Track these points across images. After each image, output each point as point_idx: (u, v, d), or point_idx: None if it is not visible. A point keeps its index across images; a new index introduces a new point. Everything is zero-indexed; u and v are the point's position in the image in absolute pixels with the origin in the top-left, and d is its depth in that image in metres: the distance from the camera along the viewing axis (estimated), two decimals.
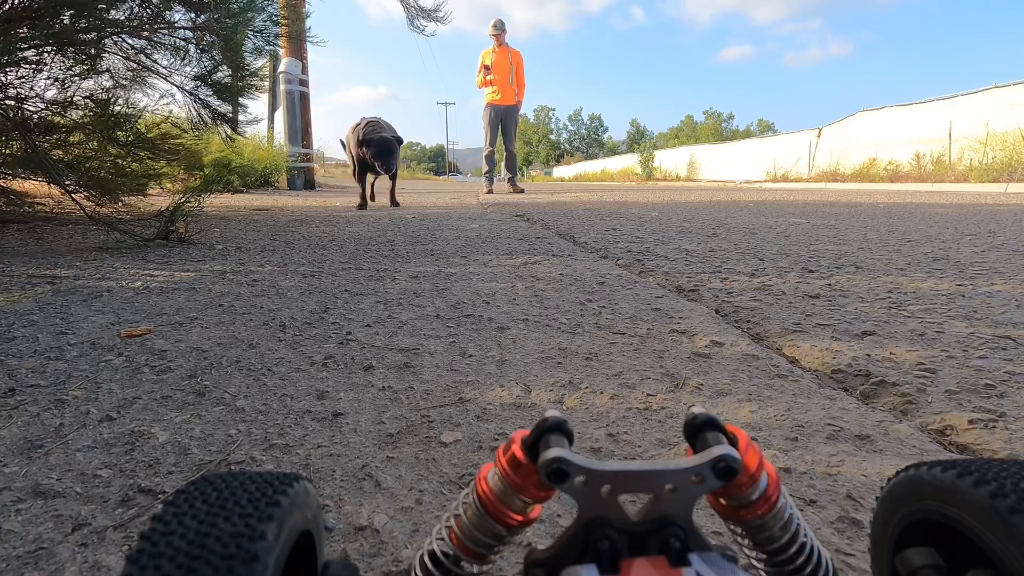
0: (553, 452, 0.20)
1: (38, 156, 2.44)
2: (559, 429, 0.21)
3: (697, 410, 0.22)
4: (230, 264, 1.48)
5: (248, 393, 0.60)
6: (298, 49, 6.78)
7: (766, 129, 49.53)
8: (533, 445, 0.21)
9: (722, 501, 0.22)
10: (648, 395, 0.59)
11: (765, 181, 13.22)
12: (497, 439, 0.50)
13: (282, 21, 3.68)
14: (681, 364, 0.69)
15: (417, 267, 1.42)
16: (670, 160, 20.21)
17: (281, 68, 6.68)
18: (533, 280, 1.24)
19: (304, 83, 6.83)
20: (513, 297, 1.07)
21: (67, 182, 2.38)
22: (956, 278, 1.23)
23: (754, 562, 0.23)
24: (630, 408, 0.56)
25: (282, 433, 0.51)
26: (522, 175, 21.27)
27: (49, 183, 2.53)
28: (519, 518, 0.22)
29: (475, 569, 0.23)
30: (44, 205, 2.99)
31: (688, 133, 52.41)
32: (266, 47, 3.68)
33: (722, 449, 0.20)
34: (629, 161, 22.93)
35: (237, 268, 1.41)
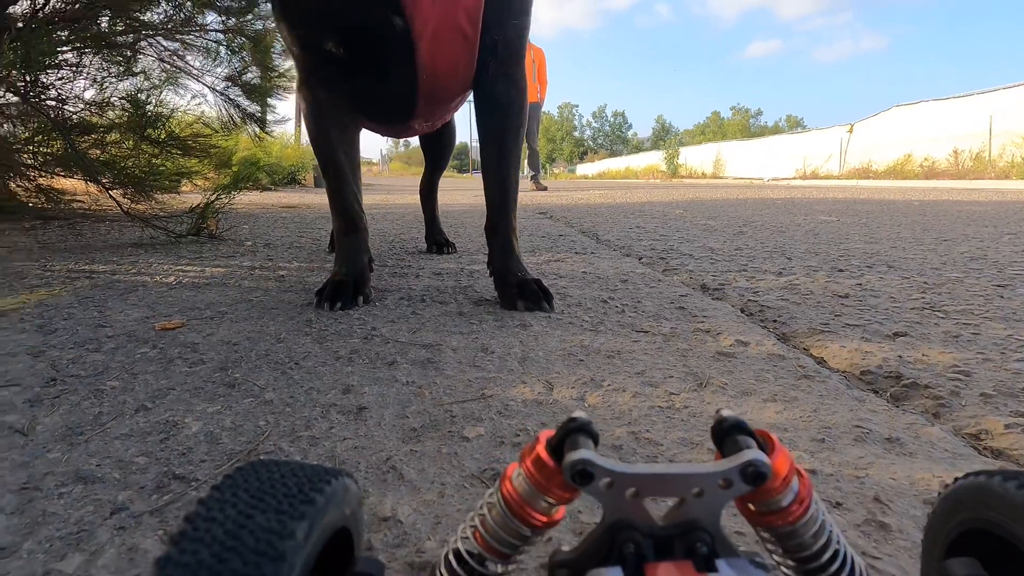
0: (578, 453, 0.20)
1: (78, 155, 2.54)
2: (585, 430, 0.21)
3: (725, 413, 0.22)
4: (259, 260, 1.51)
5: (276, 386, 0.61)
6: None
7: (795, 125, 48.40)
8: (558, 446, 0.21)
9: (751, 507, 0.22)
10: (671, 393, 0.59)
11: (794, 178, 12.94)
12: (519, 435, 0.50)
13: None
14: (705, 363, 0.69)
15: (440, 264, 1.43)
16: (696, 157, 19.93)
17: None
18: (556, 277, 1.24)
19: None
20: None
21: (104, 180, 2.47)
22: (994, 278, 1.19)
23: (784, 570, 0.23)
24: (652, 406, 0.56)
25: (308, 425, 0.52)
26: (545, 173, 21.26)
27: (87, 181, 2.62)
28: (543, 519, 0.22)
29: (499, 568, 0.23)
30: (82, 202, 3.09)
31: (715, 129, 51.57)
32: None
33: (751, 453, 0.20)
34: (654, 158, 22.68)
35: (266, 264, 1.45)
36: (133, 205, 2.36)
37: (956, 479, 0.23)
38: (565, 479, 0.20)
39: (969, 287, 1.11)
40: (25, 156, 2.73)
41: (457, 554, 0.22)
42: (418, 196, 1.77)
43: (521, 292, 0.93)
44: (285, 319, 0.90)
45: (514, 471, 0.22)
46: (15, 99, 2.64)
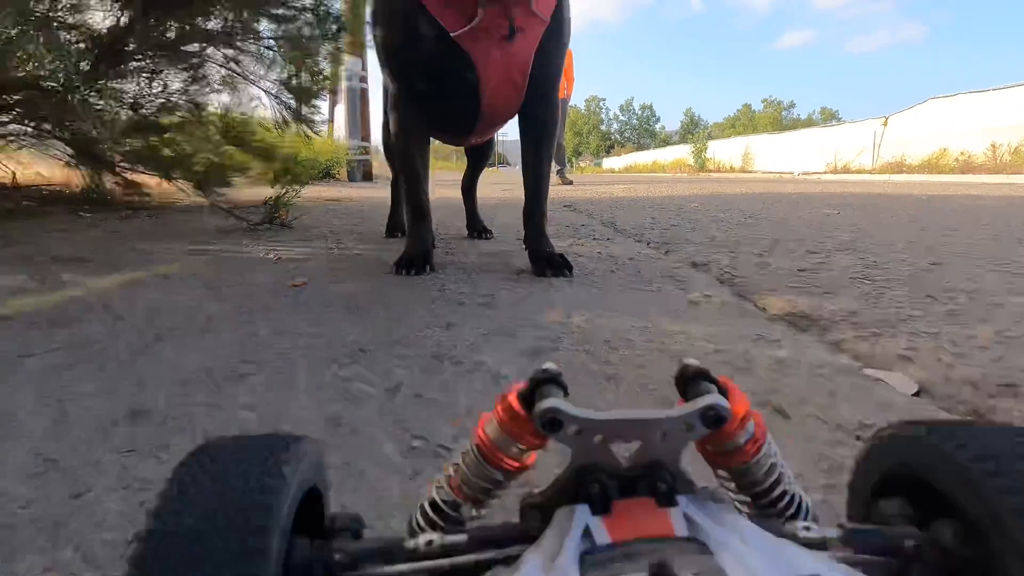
0: (548, 403, 0.21)
1: (154, 153, 2.94)
2: (554, 381, 0.22)
3: (688, 360, 0.23)
4: (332, 244, 1.86)
5: (388, 315, 0.94)
6: (359, 47, 7.19)
7: (829, 118, 47.25)
8: (529, 395, 0.22)
9: (709, 448, 0.23)
10: (647, 318, 0.89)
11: (825, 172, 12.85)
12: (548, 339, 0.81)
13: (347, 24, 4.08)
14: (677, 306, 0.99)
15: (482, 247, 1.76)
16: (724, 151, 19.82)
17: (343, 66, 7.10)
18: (576, 256, 1.54)
19: (363, 79, 7.24)
20: None
21: (175, 175, 2.86)
22: (935, 258, 1.45)
23: (738, 505, 0.25)
24: (633, 326, 0.86)
25: (420, 331, 0.84)
26: (571, 167, 21.36)
27: (161, 177, 3.02)
28: (515, 464, 0.23)
29: (472, 512, 0.24)
30: (148, 195, 3.49)
31: (745, 122, 50.64)
32: (337, 51, 4.08)
33: (711, 398, 0.21)
34: (681, 152, 22.63)
35: (340, 246, 1.79)
36: (217, 199, 2.74)
37: (879, 429, 0.25)
38: (535, 427, 0.21)
39: (910, 265, 1.38)
40: (112, 155, 3.14)
41: (433, 503, 0.24)
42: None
43: (549, 263, 1.26)
44: (376, 281, 1.23)
45: (487, 420, 0.23)
46: (107, 104, 3.05)
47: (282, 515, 0.19)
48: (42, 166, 3.79)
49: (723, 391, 0.23)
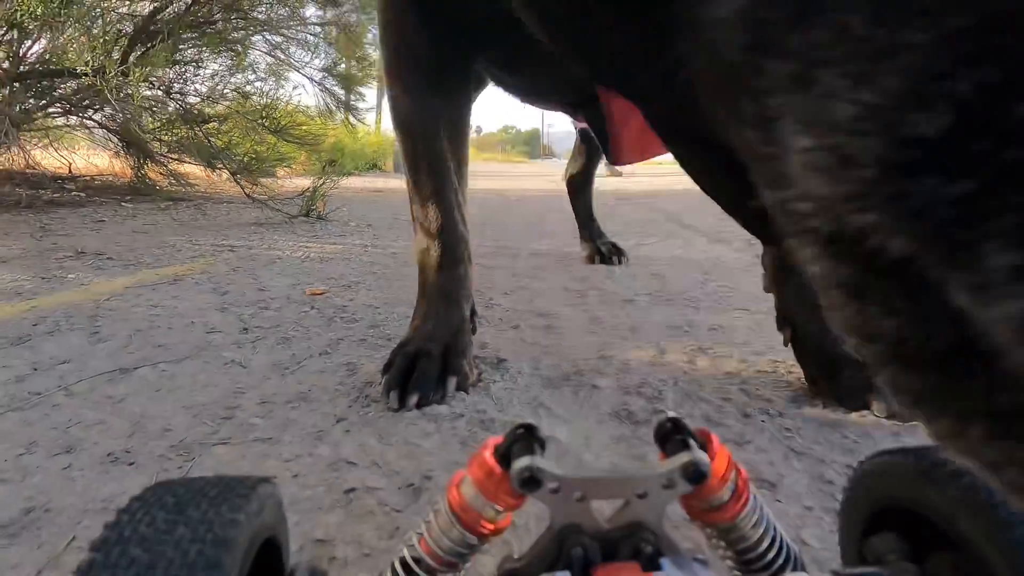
0: (526, 460, 0.21)
1: (200, 142, 2.84)
2: (532, 437, 0.22)
3: (667, 415, 0.23)
4: (367, 239, 1.67)
5: None
6: None
7: None
8: (506, 452, 0.22)
9: (694, 504, 0.23)
10: (775, 361, 0.65)
11: None
12: (641, 386, 0.58)
13: None
14: None
15: (536, 245, 1.53)
16: None
17: None
18: (648, 261, 1.30)
19: None
20: (633, 274, 1.14)
21: (219, 165, 2.77)
22: None
23: (727, 562, 0.24)
24: (759, 370, 0.62)
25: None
26: None
27: (206, 167, 2.94)
28: (490, 526, 0.22)
29: None
30: (196, 185, 3.44)
31: None
32: None
33: (691, 454, 0.21)
34: None
35: (375, 242, 1.60)
36: (253, 188, 2.62)
37: (865, 459, 0.24)
38: (512, 486, 0.21)
39: None
40: (156, 145, 3.09)
41: (404, 563, 0.22)
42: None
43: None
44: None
45: (461, 478, 0.22)
46: (152, 93, 2.98)
47: (234, 569, 0.16)
48: (99, 157, 3.83)
49: (704, 446, 0.22)
